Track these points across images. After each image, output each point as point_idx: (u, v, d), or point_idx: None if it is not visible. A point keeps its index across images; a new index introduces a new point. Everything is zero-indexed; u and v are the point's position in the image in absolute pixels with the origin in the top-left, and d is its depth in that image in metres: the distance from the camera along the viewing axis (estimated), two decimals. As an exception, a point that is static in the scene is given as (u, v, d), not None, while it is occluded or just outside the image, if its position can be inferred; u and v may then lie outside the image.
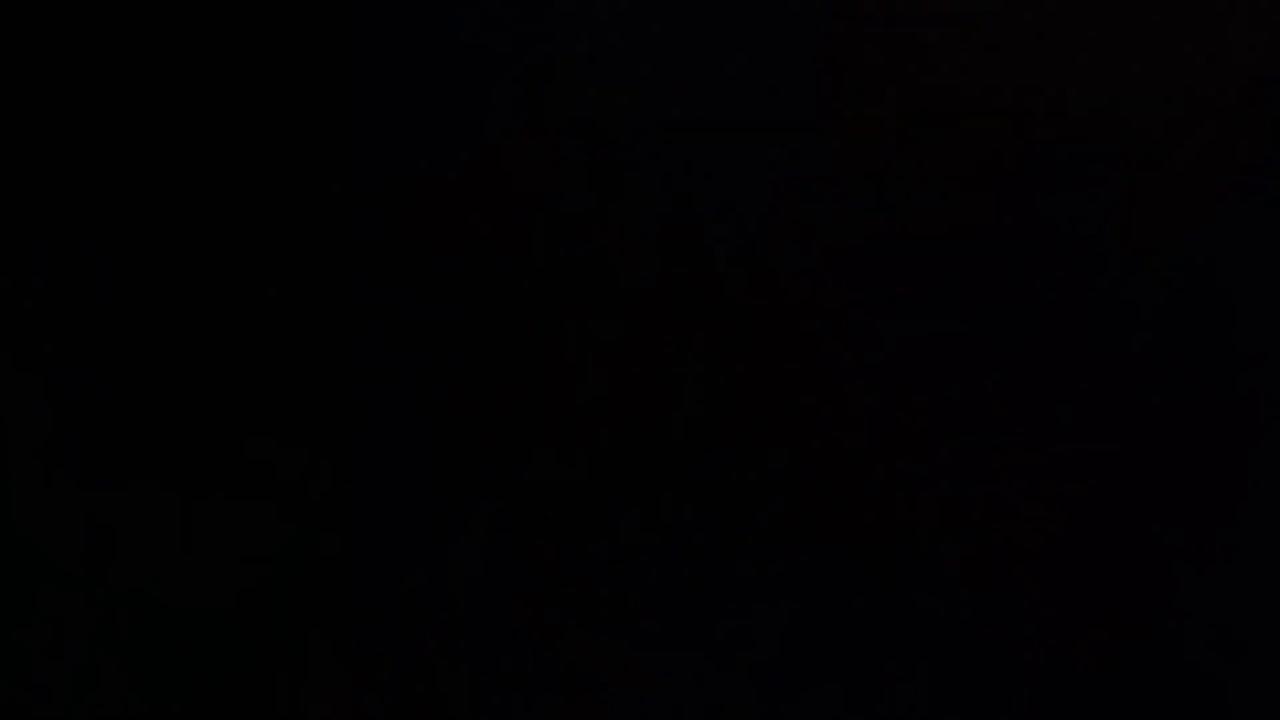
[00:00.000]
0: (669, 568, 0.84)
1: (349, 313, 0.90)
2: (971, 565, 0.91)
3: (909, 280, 1.26)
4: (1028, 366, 1.23)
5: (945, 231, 1.21)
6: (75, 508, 0.98)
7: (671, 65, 0.73)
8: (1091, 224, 1.25)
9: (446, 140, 0.71)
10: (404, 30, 0.73)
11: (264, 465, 0.95)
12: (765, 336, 0.75)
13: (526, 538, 0.86)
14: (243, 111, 0.93)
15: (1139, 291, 1.21)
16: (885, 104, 0.93)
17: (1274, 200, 1.32)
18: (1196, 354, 1.23)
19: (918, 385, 1.13)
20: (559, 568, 0.85)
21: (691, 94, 0.73)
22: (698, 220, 0.75)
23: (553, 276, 0.73)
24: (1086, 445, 1.10)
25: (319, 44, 0.82)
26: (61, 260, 1.02)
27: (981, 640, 0.85)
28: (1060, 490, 0.95)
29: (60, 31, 0.99)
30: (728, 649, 0.83)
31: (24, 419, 1.00)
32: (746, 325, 0.76)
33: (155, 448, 0.99)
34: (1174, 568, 0.86)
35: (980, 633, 0.85)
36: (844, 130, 0.85)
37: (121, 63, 0.99)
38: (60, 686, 0.93)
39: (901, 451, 0.91)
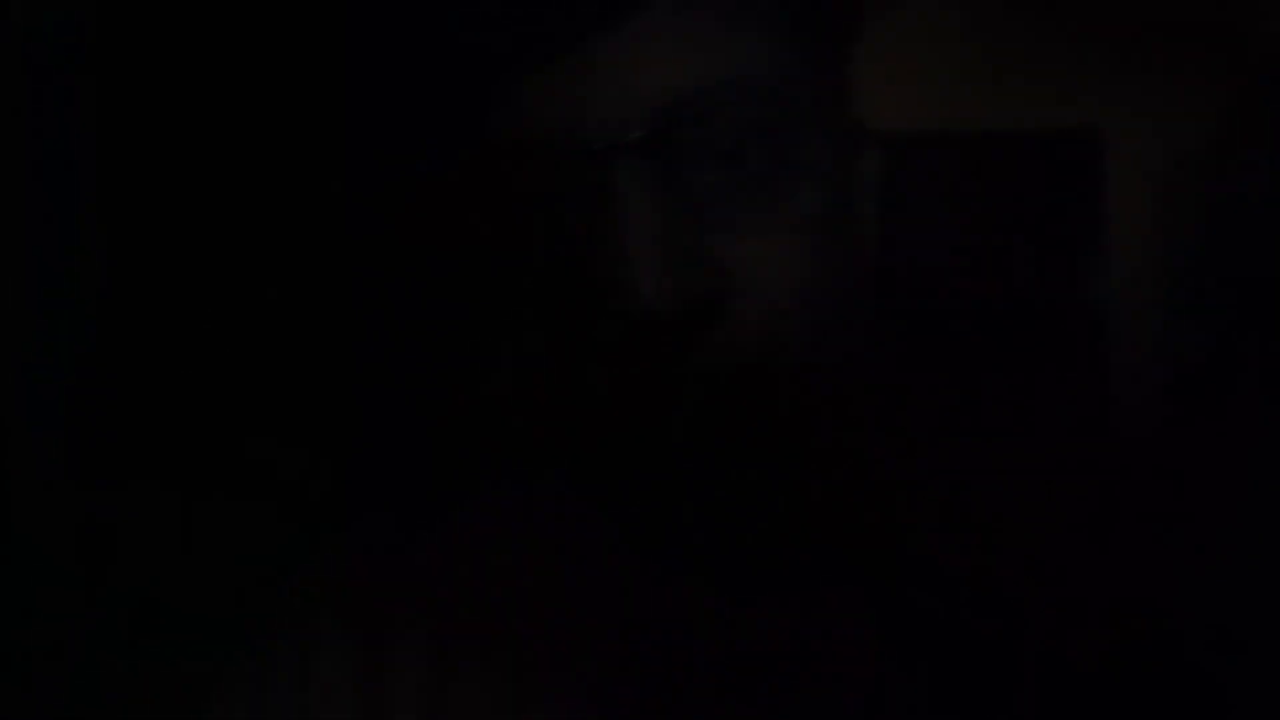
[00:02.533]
0: (670, 566, 0.84)
1: (349, 313, 0.90)
2: (972, 565, 0.91)
3: (910, 279, 1.26)
4: (1026, 367, 1.23)
5: (947, 231, 1.20)
6: (75, 508, 0.99)
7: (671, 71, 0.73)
8: (1087, 224, 1.25)
9: (447, 140, 0.71)
10: (404, 30, 0.73)
11: (264, 465, 0.95)
12: (765, 337, 0.75)
13: (527, 537, 0.86)
14: (241, 111, 0.93)
15: (1138, 293, 1.21)
16: (885, 109, 0.93)
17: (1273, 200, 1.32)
18: (1195, 355, 1.23)
19: (917, 385, 1.12)
20: (559, 567, 0.86)
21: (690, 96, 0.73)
22: (697, 220, 0.75)
23: (553, 277, 0.73)
24: (1086, 446, 1.10)
25: (320, 44, 0.82)
26: (63, 260, 1.02)
27: (982, 640, 0.85)
28: (1059, 492, 0.95)
29: (58, 30, 0.99)
30: (726, 649, 0.83)
31: (25, 419, 1.00)
32: (747, 326, 0.76)
33: (155, 448, 0.99)
34: (1174, 567, 0.86)
35: (980, 632, 0.85)
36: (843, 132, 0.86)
37: (120, 62, 0.99)
38: (60, 686, 0.94)
39: (901, 451, 0.91)
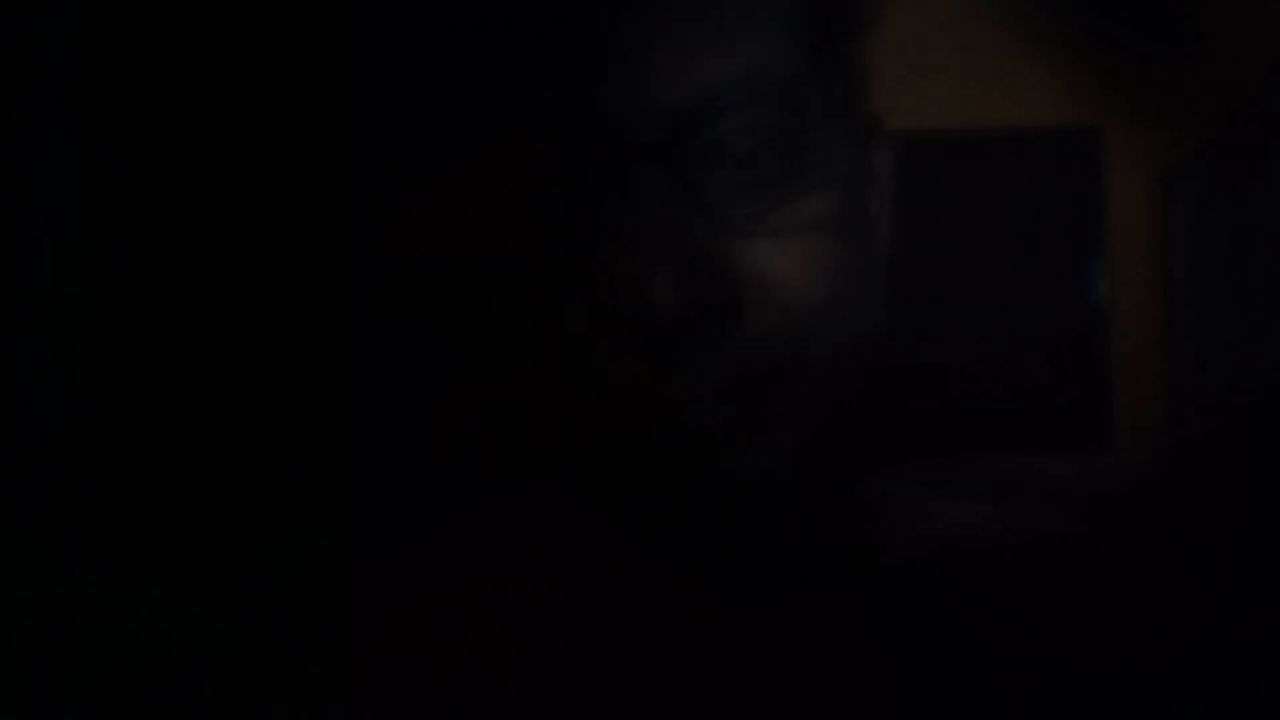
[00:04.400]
0: (680, 574, 0.84)
1: (356, 315, 0.90)
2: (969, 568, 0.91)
3: (923, 277, 1.26)
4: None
5: (951, 235, 1.21)
6: (74, 510, 0.98)
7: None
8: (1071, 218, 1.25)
9: (455, 143, 0.70)
10: (408, 31, 0.73)
11: (262, 466, 0.95)
12: (781, 341, 0.75)
13: (535, 544, 0.86)
14: (234, 122, 0.93)
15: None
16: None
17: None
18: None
19: (930, 384, 1.13)
20: (567, 574, 0.85)
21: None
22: (711, 224, 0.75)
23: (567, 283, 0.72)
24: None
25: (319, 42, 0.82)
26: (55, 267, 1.02)
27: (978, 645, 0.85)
28: (1060, 495, 0.95)
29: (57, 28, 0.99)
30: (731, 654, 0.83)
31: (21, 416, 1.00)
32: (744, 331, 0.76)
33: (154, 449, 0.99)
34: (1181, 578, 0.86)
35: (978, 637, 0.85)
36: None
37: (117, 62, 0.99)
38: (58, 688, 0.94)
39: (912, 451, 0.91)
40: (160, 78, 0.96)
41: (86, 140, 1.02)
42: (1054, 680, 0.82)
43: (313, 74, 0.82)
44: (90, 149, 1.02)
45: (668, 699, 0.77)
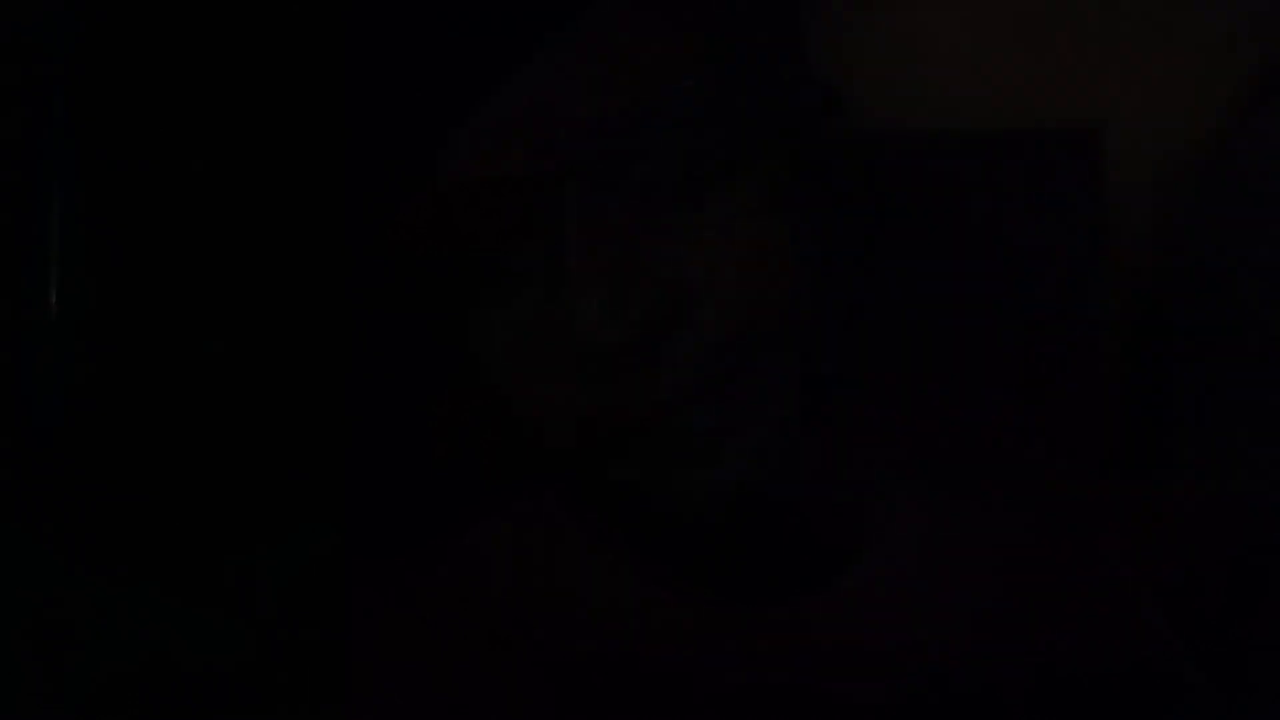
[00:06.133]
0: (666, 575, 0.84)
1: (349, 314, 0.90)
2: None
3: (904, 279, 1.26)
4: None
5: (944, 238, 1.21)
6: (72, 517, 0.98)
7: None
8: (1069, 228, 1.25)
9: (396, 178, 0.70)
10: (404, 26, 0.72)
11: (262, 466, 0.95)
12: (730, 340, 0.74)
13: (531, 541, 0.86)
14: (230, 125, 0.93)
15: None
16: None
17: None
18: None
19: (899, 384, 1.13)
20: (557, 569, 0.85)
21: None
22: (638, 236, 0.74)
23: (505, 306, 0.72)
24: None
25: (319, 40, 0.82)
26: (57, 253, 1.02)
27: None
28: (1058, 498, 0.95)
29: (55, 27, 0.99)
30: (718, 658, 0.82)
31: (19, 416, 1.00)
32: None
33: (154, 449, 0.99)
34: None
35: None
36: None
37: (116, 60, 0.99)
38: (58, 688, 0.93)
39: (883, 457, 0.91)
40: (160, 79, 0.96)
41: (86, 140, 1.02)
42: (1054, 679, 0.82)
43: (311, 74, 0.82)
44: (90, 149, 1.02)
45: (664, 700, 0.77)
